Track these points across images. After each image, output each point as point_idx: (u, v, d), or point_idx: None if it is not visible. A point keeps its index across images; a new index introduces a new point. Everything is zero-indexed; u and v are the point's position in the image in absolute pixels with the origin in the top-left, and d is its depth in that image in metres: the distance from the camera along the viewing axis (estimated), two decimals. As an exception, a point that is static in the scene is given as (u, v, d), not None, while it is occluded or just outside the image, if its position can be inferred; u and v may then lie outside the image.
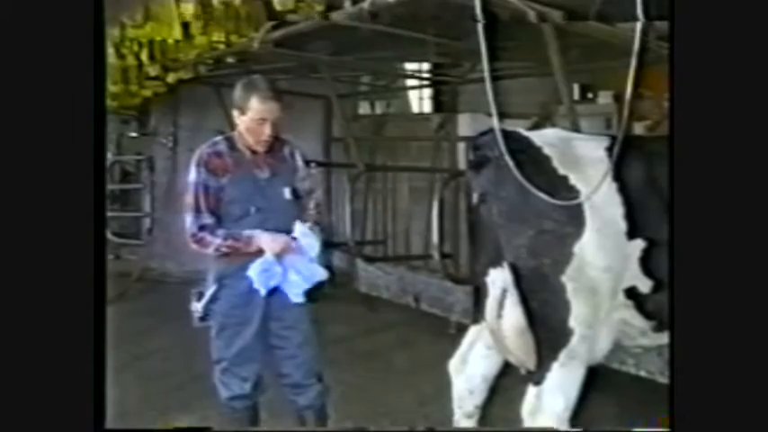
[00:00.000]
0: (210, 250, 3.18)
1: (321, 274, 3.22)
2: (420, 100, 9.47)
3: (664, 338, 3.13)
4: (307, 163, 3.51)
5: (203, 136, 8.23)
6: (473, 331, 3.25)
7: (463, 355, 3.25)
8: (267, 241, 3.14)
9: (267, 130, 3.18)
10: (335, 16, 4.22)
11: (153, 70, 5.90)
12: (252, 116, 3.16)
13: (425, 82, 8.50)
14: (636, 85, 2.39)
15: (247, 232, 3.14)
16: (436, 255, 3.48)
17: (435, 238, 3.44)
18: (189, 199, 3.18)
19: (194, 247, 3.19)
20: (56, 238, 1.99)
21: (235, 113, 3.22)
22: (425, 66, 8.00)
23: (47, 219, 1.99)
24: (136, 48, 5.42)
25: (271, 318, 3.28)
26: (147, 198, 8.89)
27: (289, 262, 3.17)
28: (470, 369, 3.22)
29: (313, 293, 3.24)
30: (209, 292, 3.25)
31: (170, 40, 5.02)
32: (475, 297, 3.09)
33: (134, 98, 6.82)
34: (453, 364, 3.26)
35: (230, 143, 3.25)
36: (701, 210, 1.98)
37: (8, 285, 1.93)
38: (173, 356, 5.45)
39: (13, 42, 1.98)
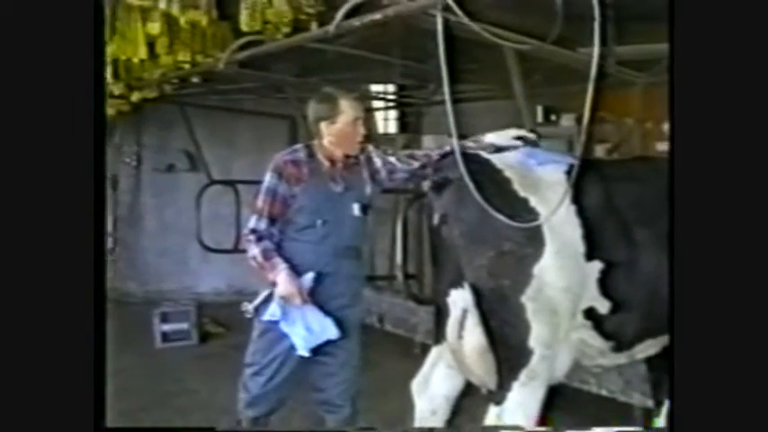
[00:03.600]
0: (249, 256, 3.19)
1: (332, 332, 3.16)
2: (385, 121, 9.51)
3: (622, 359, 3.18)
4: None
5: (167, 155, 8.36)
6: (435, 351, 3.26)
7: (425, 376, 3.26)
8: (282, 279, 3.11)
9: (362, 129, 3.23)
10: (301, 38, 4.25)
11: (117, 89, 5.85)
12: (346, 119, 3.19)
13: (391, 103, 8.56)
14: (596, 109, 2.44)
15: (277, 260, 3.14)
16: (400, 275, 3.48)
17: (399, 258, 3.44)
18: (258, 201, 3.22)
19: (245, 244, 3.23)
20: (58, 246, 2.00)
21: (322, 126, 3.22)
22: (391, 87, 8.07)
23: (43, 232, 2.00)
24: (100, 66, 5.38)
25: None
26: (109, 217, 8.81)
27: (303, 314, 3.14)
28: (433, 389, 3.23)
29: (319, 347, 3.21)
30: (262, 294, 3.22)
31: (135, 59, 4.98)
32: (436, 317, 3.11)
33: (98, 116, 6.75)
34: (416, 385, 3.26)
35: (309, 151, 3.27)
36: (700, 224, 2.01)
37: (11, 287, 1.94)
38: (134, 377, 5.38)
39: (13, 57, 1.99)
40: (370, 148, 3.39)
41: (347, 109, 3.20)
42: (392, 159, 3.35)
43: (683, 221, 2.03)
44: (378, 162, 3.35)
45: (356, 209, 3.27)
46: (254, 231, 3.19)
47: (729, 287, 1.98)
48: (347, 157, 3.28)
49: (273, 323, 3.18)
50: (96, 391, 2.02)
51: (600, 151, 6.50)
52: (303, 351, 3.16)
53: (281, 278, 3.11)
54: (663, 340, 3.07)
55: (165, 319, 6.76)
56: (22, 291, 1.96)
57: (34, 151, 1.99)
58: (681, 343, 2.01)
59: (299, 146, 3.34)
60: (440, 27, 2.54)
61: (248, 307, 3.22)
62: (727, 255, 1.99)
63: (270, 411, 3.37)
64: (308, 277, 3.15)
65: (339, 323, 3.20)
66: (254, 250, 3.17)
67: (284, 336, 3.22)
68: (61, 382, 1.99)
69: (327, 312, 3.17)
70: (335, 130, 3.21)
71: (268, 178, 3.21)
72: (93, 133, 2.05)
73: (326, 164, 3.26)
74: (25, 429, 1.95)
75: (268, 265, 3.14)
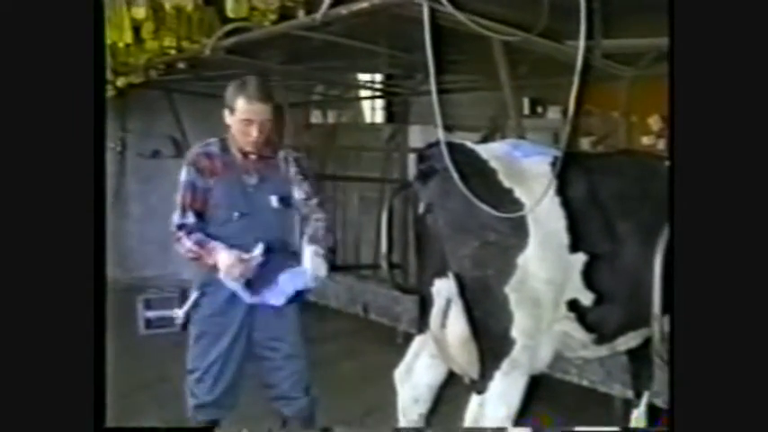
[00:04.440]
0: (183, 251, 3.15)
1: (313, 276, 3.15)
2: (372, 110, 9.51)
3: (603, 351, 3.20)
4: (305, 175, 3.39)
5: (152, 141, 8.30)
6: (418, 341, 3.27)
7: (408, 365, 3.27)
8: (223, 259, 3.06)
9: (254, 132, 3.14)
10: (288, 25, 4.23)
11: (102, 74, 5.81)
12: (238, 116, 3.13)
13: (377, 93, 8.54)
14: (582, 102, 2.44)
15: (213, 244, 3.10)
16: (385, 264, 3.48)
17: (384, 247, 3.45)
18: (177, 197, 3.18)
19: (175, 245, 3.18)
20: (57, 244, 2.00)
21: (226, 113, 3.19)
22: (378, 77, 8.05)
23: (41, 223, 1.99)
24: (85, 51, 5.33)
25: (255, 328, 3.27)
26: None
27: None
28: (415, 378, 3.24)
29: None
30: (191, 299, 3.22)
31: (120, 44, 4.95)
32: (420, 307, 3.12)
33: (82, 101, 6.70)
34: (398, 374, 3.27)
35: (223, 145, 3.24)
36: (701, 218, 2.02)
37: (11, 287, 1.94)
38: (117, 364, 5.35)
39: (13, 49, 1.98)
40: (291, 156, 3.36)
41: (240, 107, 3.11)
42: (304, 185, 3.32)
43: (682, 217, 2.04)
44: (291, 171, 3.32)
45: (274, 201, 3.24)
46: (182, 227, 3.15)
47: (728, 285, 1.98)
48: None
49: (212, 322, 3.20)
50: (96, 391, 2.02)
51: (585, 144, 6.54)
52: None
53: (222, 258, 3.06)
54: (644, 332, 3.09)
55: (148, 305, 6.75)
56: (22, 290, 1.95)
57: (33, 143, 1.98)
58: (680, 341, 2.02)
59: (212, 140, 3.29)
60: (426, 17, 2.54)
61: (178, 313, 3.20)
62: (727, 252, 1.99)
63: (222, 414, 3.35)
64: (257, 249, 3.11)
65: (275, 315, 3.22)
66: (188, 244, 3.13)
67: (220, 338, 3.21)
68: (61, 381, 1.98)
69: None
70: (232, 122, 3.18)
71: (184, 173, 3.18)
72: (94, 130, 2.04)
73: (239, 156, 3.23)
74: (25, 429, 1.95)
75: (204, 251, 3.10)
